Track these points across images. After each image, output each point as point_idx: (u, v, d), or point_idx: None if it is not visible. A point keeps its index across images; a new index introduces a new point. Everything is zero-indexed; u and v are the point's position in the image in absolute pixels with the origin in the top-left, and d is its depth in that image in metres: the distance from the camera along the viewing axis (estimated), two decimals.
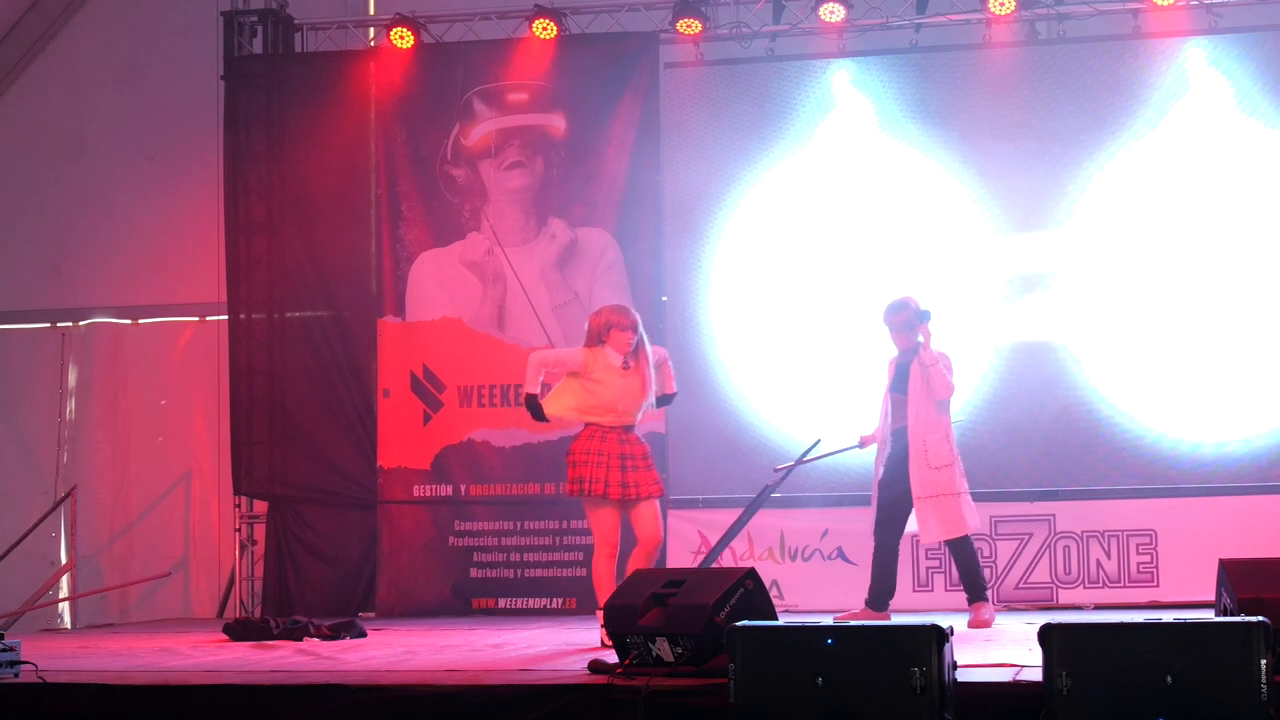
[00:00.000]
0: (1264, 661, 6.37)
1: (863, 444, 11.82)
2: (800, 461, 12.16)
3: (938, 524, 11.21)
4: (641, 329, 10.35)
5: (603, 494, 10.12)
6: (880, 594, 11.42)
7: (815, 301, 13.86)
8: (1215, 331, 13.25)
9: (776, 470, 12.38)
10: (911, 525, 11.34)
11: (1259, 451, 13.13)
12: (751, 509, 12.42)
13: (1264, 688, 6.36)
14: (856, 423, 12.14)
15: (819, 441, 12.20)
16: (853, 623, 7.15)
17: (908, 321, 11.33)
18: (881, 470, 11.46)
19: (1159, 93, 13.47)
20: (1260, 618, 6.57)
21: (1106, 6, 13.63)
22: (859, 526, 13.05)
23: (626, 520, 10.21)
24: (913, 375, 11.28)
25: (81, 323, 15.94)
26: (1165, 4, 13.39)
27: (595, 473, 10.13)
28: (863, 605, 11.46)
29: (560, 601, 13.97)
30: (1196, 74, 13.49)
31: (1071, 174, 13.53)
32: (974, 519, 11.33)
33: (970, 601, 11.30)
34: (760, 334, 13.89)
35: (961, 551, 11.35)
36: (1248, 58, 13.40)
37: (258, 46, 14.98)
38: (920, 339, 11.24)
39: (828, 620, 7.13)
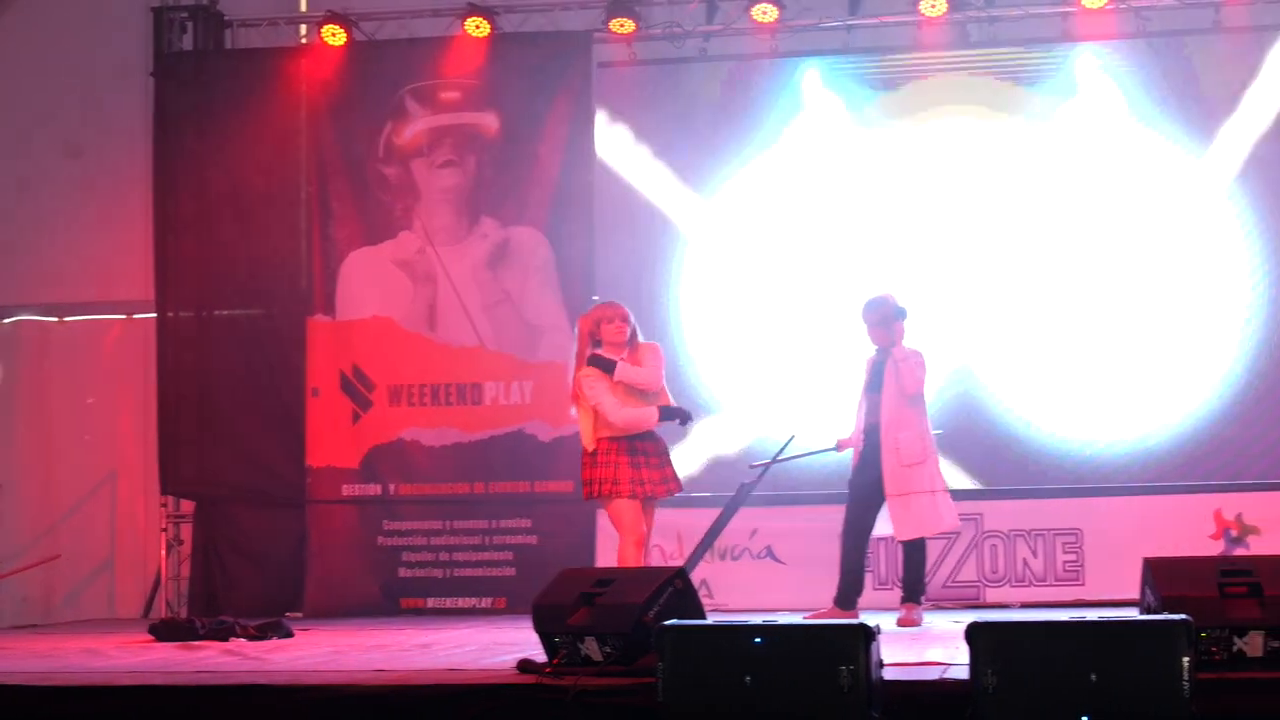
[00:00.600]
0: (1186, 659, 6.41)
1: (839, 447, 11.73)
2: (776, 460, 11.98)
3: (910, 522, 11.17)
4: (633, 321, 10.45)
5: (610, 494, 10.35)
6: (848, 593, 11.37)
7: (749, 300, 13.90)
8: (1129, 332, 13.42)
9: (752, 468, 12.23)
10: (884, 525, 11.31)
11: (1180, 450, 13.25)
12: (731, 508, 12.22)
13: (1186, 685, 6.40)
14: (803, 420, 12.18)
15: (793, 438, 11.99)
16: (781, 621, 7.16)
17: (884, 319, 11.29)
18: (853, 469, 11.47)
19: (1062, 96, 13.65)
20: (1183, 616, 6.61)
21: (1036, 10, 13.72)
22: (788, 526, 13.14)
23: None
24: (887, 372, 11.25)
25: (6, 320, 15.78)
26: (1094, 7, 13.47)
27: (604, 474, 10.36)
28: (831, 604, 11.43)
29: (489, 601, 13.95)
30: (1087, 78, 13.62)
31: (984, 176, 13.67)
32: (950, 518, 11.33)
33: (904, 600, 11.31)
34: (692, 333, 13.91)
35: (915, 552, 11.35)
36: (1144, 66, 13.55)
37: (188, 43, 14.90)
38: (894, 336, 11.23)
39: (757, 619, 7.12)
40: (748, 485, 12.06)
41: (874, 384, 11.37)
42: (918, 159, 13.83)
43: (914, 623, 11.03)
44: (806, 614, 11.12)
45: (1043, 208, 13.63)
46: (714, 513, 12.27)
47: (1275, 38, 13.44)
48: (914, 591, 11.31)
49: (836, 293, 13.46)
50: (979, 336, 13.56)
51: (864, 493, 11.33)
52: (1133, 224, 13.51)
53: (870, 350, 11.51)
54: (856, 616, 10.90)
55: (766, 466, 11.98)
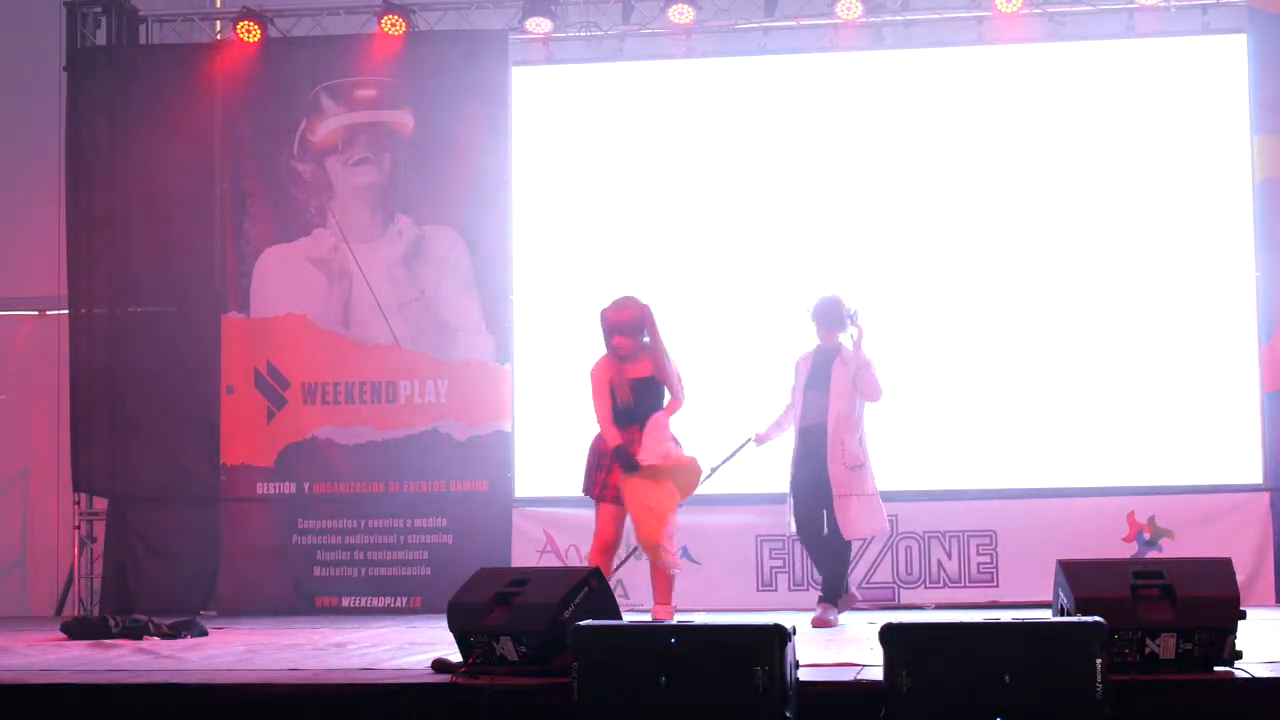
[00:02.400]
0: (1099, 660, 6.46)
1: (758, 441, 11.71)
2: (726, 462, 11.68)
3: (856, 521, 11.21)
4: (638, 322, 10.35)
5: (585, 494, 10.46)
6: (832, 589, 11.35)
7: (665, 301, 13.90)
8: (1044, 335, 13.52)
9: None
10: (827, 522, 11.30)
11: (1094, 453, 13.35)
12: None
13: (1099, 686, 6.44)
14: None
15: (750, 440, 11.79)
16: (697, 621, 7.16)
17: (837, 319, 11.28)
18: (793, 468, 11.45)
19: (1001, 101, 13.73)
20: (1096, 617, 6.65)
21: (952, 13, 13.81)
22: (702, 525, 13.12)
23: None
24: (835, 373, 11.23)
25: None
26: (1009, 11, 13.56)
27: (591, 474, 10.43)
28: (818, 603, 11.39)
29: (405, 600, 13.92)
30: (1031, 84, 13.76)
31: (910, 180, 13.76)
32: (883, 521, 11.42)
33: (822, 600, 11.32)
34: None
35: (844, 552, 11.38)
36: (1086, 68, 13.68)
37: (101, 38, 14.80)
38: (852, 336, 11.23)
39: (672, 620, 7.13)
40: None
41: (817, 382, 11.34)
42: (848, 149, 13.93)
43: (830, 624, 11.06)
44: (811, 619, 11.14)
45: (960, 205, 13.71)
46: None
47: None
48: (835, 592, 11.33)
49: (751, 290, 13.54)
50: (893, 337, 13.60)
51: (807, 490, 11.33)
52: (1038, 224, 13.60)
53: (805, 347, 11.50)
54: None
55: (714, 470, 11.55)
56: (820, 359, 11.39)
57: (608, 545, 10.35)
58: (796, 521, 11.46)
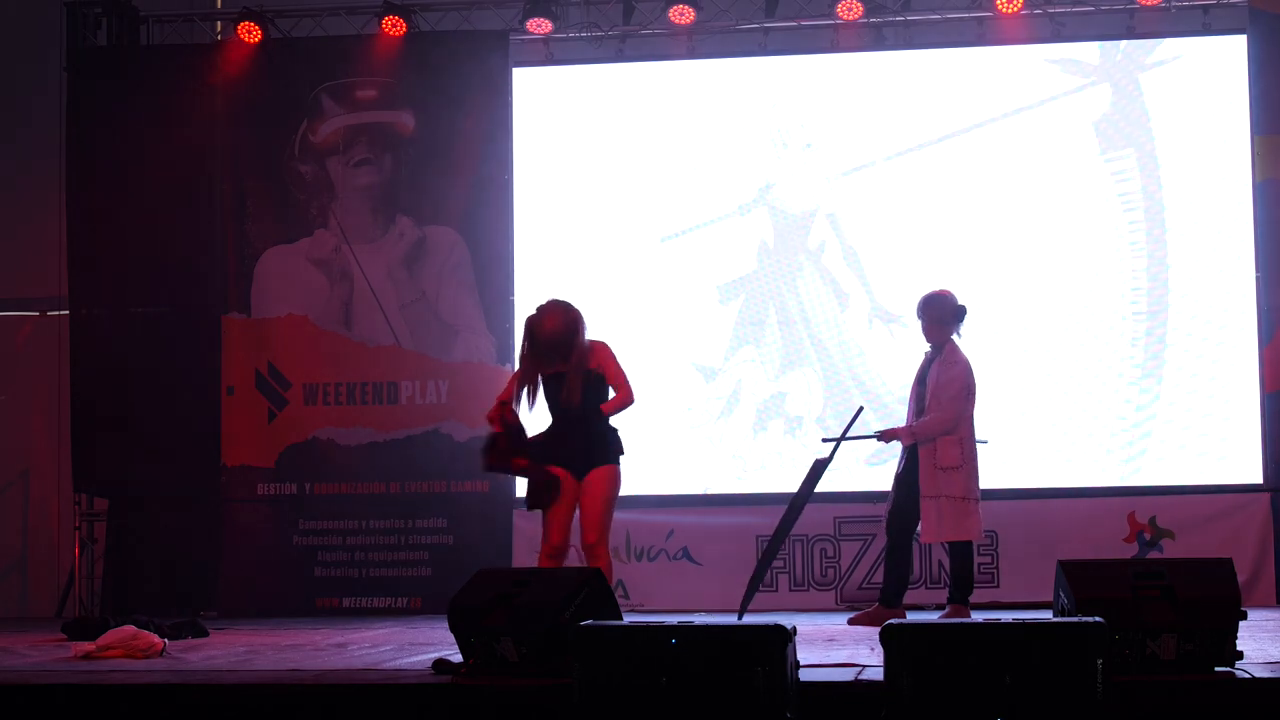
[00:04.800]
0: (1100, 661, 6.46)
1: (883, 438, 11.50)
2: (845, 435, 11.52)
3: (938, 525, 11.01)
4: (526, 332, 9.94)
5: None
6: (894, 590, 11.21)
7: (666, 300, 13.92)
8: (1045, 336, 13.51)
9: (825, 441, 11.83)
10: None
11: (1096, 454, 13.35)
12: (808, 484, 11.68)
13: (1099, 686, 6.44)
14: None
15: (862, 410, 11.67)
16: (697, 622, 7.15)
17: (940, 316, 11.17)
18: (899, 463, 11.35)
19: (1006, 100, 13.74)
20: (1096, 618, 6.65)
21: (953, 14, 13.82)
22: (704, 527, 13.16)
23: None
24: (931, 373, 11.14)
25: None
26: (1010, 11, 13.56)
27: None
28: (875, 604, 11.31)
29: (405, 601, 13.92)
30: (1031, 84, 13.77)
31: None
32: (977, 528, 11.05)
33: (949, 601, 11.13)
34: (612, 331, 13.90)
35: (958, 555, 11.15)
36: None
37: (102, 39, 14.80)
38: (955, 337, 11.14)
39: (673, 620, 7.12)
40: (822, 460, 11.62)
41: (920, 378, 11.25)
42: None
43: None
44: (849, 616, 11.08)
45: (959, 205, 13.72)
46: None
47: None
48: (960, 593, 11.09)
49: (751, 290, 13.54)
50: (893, 336, 13.61)
51: (906, 490, 11.19)
52: (1040, 224, 13.60)
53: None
54: (903, 615, 10.76)
55: (839, 441, 11.55)
56: (928, 356, 11.27)
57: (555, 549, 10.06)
58: (888, 515, 11.32)
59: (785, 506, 11.61)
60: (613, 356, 9.90)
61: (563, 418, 9.88)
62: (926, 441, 11.00)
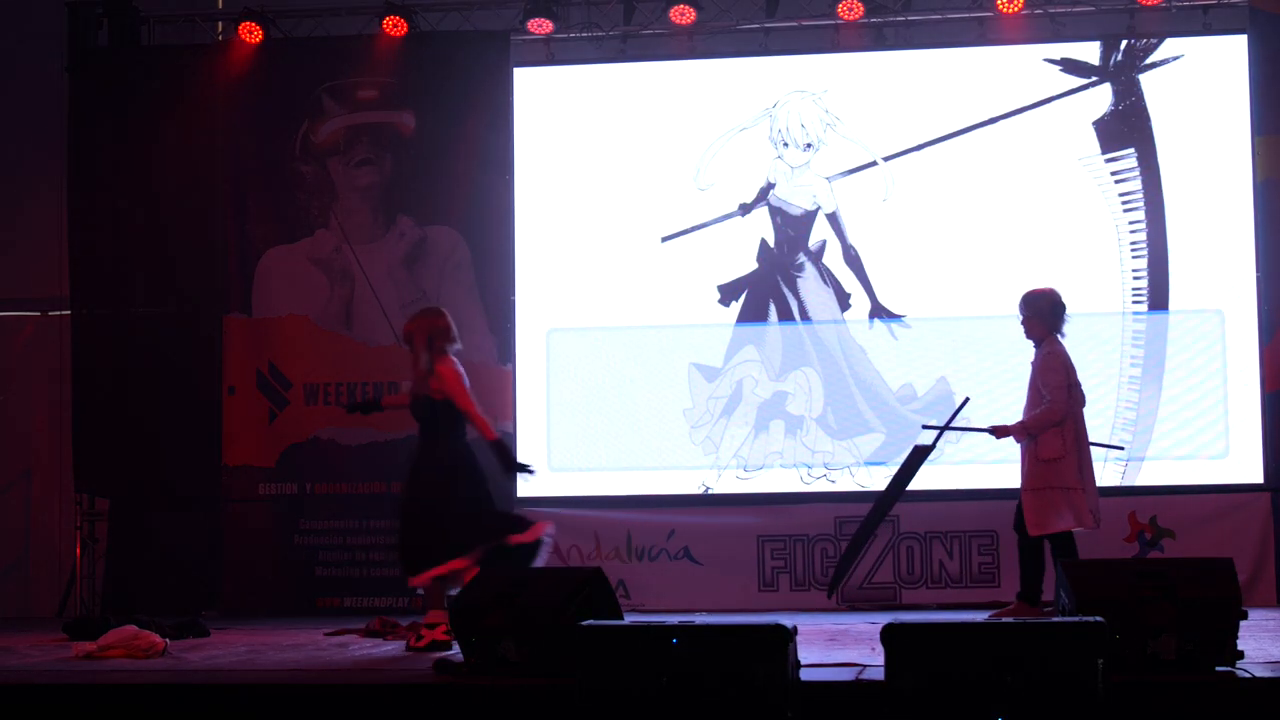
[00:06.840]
0: (1100, 660, 6.47)
1: (995, 433, 11.29)
2: (949, 425, 11.45)
3: (1034, 515, 10.86)
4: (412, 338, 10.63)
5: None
6: (1031, 588, 11.02)
7: (665, 300, 13.93)
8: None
9: (926, 428, 11.81)
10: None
11: (1096, 453, 13.33)
12: (907, 471, 11.58)
13: (1100, 686, 6.46)
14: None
15: (968, 400, 11.57)
16: (699, 622, 7.15)
17: (1036, 313, 11.10)
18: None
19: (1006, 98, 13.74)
20: (1097, 618, 6.67)
21: (953, 14, 13.82)
22: (705, 526, 13.15)
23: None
24: (1032, 369, 11.10)
25: None
26: (1010, 11, 13.57)
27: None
28: (1015, 599, 11.18)
29: (406, 601, 13.90)
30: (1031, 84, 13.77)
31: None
32: (1068, 518, 10.80)
33: (1019, 597, 11.00)
34: (612, 331, 13.92)
35: (1030, 550, 11.00)
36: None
37: (103, 39, 14.79)
38: (1059, 336, 11.07)
39: (674, 620, 7.13)
40: (923, 448, 11.54)
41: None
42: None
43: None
44: (991, 613, 10.97)
45: (960, 205, 13.73)
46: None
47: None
48: (1027, 592, 10.96)
49: (751, 290, 13.54)
50: (892, 336, 13.62)
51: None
52: (1040, 224, 13.60)
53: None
54: (1040, 613, 10.67)
55: (941, 430, 11.51)
56: (1036, 352, 11.20)
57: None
58: (1016, 514, 11.11)
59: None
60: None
61: None
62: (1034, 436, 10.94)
